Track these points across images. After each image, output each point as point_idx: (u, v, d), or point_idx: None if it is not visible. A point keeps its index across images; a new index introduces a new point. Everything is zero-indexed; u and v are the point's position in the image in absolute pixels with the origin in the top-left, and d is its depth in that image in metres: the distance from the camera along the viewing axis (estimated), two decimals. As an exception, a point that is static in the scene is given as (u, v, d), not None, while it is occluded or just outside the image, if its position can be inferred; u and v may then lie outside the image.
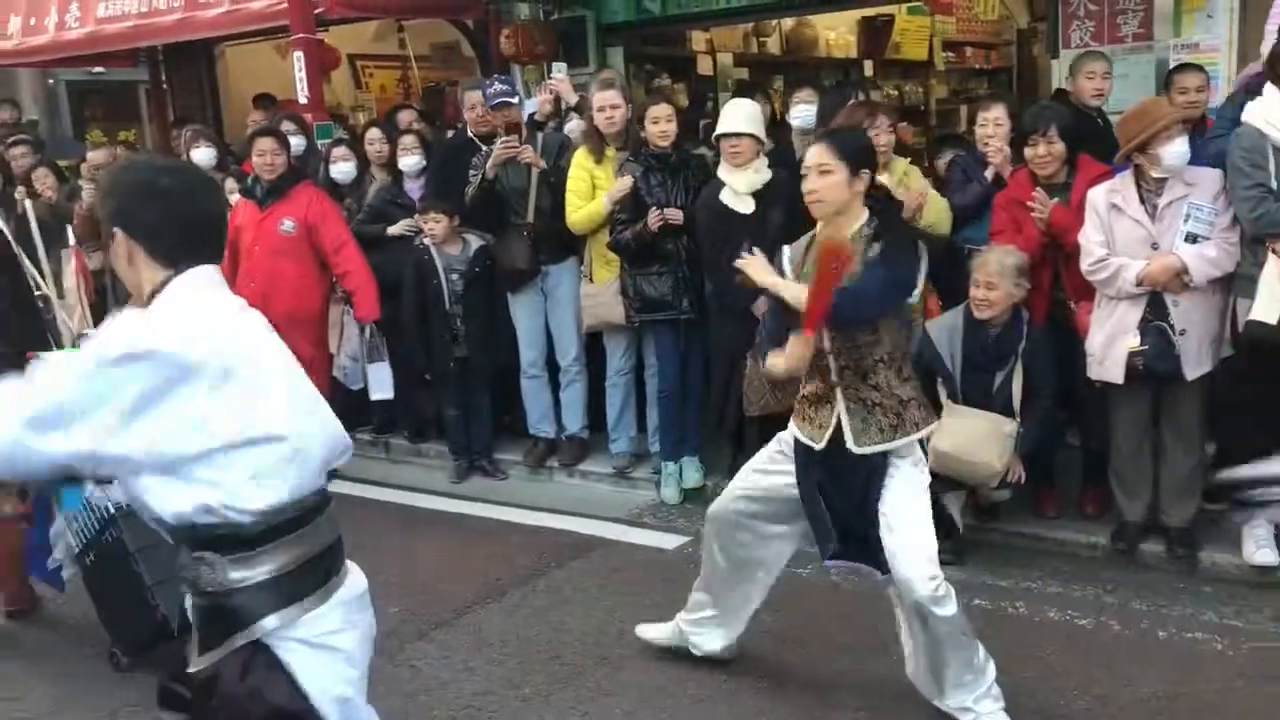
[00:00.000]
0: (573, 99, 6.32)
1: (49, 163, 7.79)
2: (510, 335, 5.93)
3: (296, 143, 6.57)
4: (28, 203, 5.53)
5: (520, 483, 5.95)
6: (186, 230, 2.10)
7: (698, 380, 5.52)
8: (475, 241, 5.90)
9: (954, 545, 4.44)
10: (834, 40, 9.94)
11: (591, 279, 5.67)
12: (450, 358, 5.91)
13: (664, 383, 5.50)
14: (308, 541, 2.09)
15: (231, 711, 2.03)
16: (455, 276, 5.85)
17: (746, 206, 5.01)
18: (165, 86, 10.52)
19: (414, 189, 6.25)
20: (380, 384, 6.09)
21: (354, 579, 2.22)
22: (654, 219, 5.14)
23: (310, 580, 2.09)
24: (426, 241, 5.85)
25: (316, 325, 6.05)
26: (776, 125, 6.10)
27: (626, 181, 5.29)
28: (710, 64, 8.82)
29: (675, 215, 5.17)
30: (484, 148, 5.85)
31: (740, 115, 5.02)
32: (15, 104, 10.44)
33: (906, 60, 10.62)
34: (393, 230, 6.13)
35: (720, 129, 5.03)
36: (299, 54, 6.66)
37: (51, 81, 11.59)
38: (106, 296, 7.38)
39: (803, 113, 5.37)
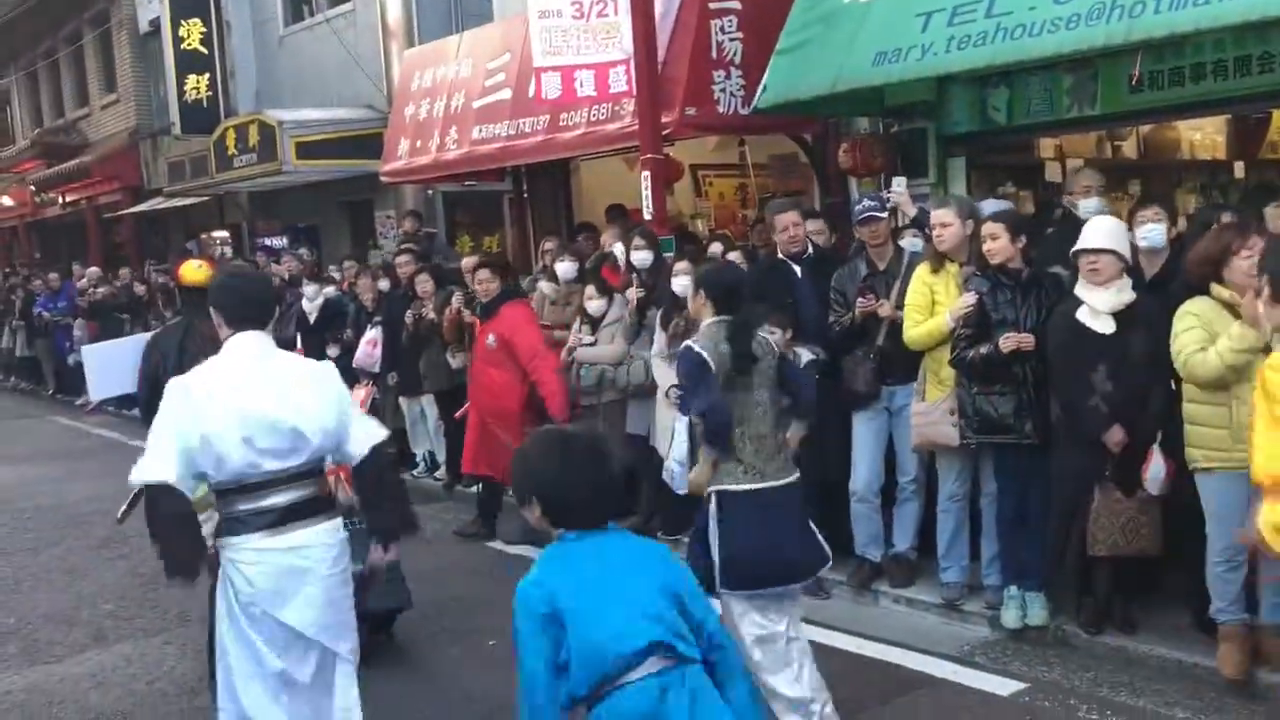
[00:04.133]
0: (911, 211, 6.25)
1: (430, 269, 8.68)
2: (839, 452, 5.85)
3: (643, 257, 6.91)
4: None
5: (844, 604, 5.80)
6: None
7: (1039, 510, 5.18)
8: (806, 355, 5.89)
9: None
10: (1199, 141, 9.23)
11: (924, 396, 5.51)
12: (776, 469, 5.89)
13: (1005, 509, 5.21)
14: None
15: None
16: (785, 390, 5.86)
17: (1106, 327, 4.70)
18: (526, 197, 11.48)
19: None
20: None
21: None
22: (1008, 342, 4.93)
23: None
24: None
25: (515, 419, 6.97)
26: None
27: (970, 298, 5.11)
28: (1059, 170, 8.44)
29: (1028, 341, 4.93)
30: (796, 268, 5.97)
31: (1101, 231, 4.75)
32: (419, 215, 11.74)
33: (1286, 159, 9.64)
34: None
35: (1080, 244, 4.78)
36: (646, 173, 7.03)
37: (430, 192, 12.95)
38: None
39: (1150, 232, 5.01)
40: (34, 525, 8.14)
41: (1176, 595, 5.03)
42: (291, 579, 3.45)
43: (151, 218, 19.93)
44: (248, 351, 3.50)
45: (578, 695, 2.52)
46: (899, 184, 6.46)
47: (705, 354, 4.01)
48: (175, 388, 3.46)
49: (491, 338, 6.97)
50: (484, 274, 7.11)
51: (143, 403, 5.21)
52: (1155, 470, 4.65)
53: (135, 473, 3.39)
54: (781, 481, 4.14)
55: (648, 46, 7.32)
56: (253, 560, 3.43)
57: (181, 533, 3.40)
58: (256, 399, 3.41)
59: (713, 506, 4.10)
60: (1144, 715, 4.35)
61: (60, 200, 22.44)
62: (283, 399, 3.44)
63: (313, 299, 9.65)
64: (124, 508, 4.41)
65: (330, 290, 9.86)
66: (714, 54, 7.88)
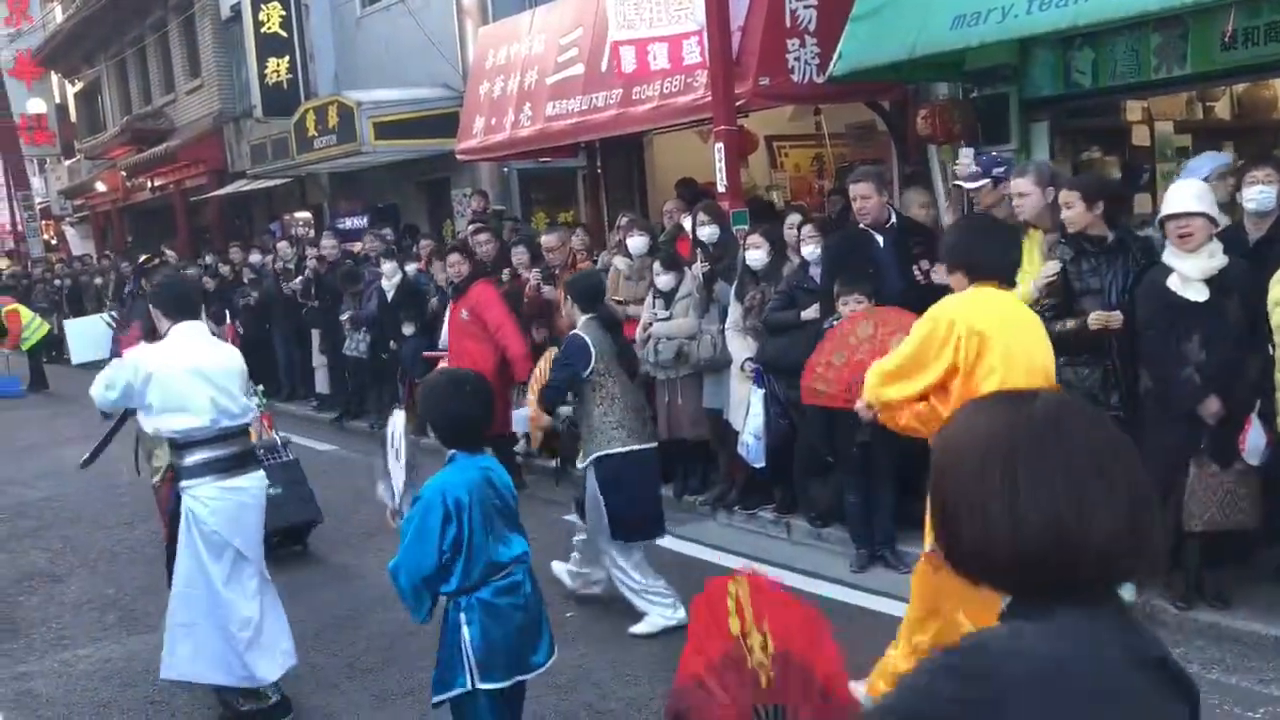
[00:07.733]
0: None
1: (525, 242, 8.78)
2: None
3: (709, 232, 6.85)
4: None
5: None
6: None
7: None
8: (884, 327, 5.82)
9: None
10: (1298, 99, 8.83)
11: (1007, 368, 5.39)
12: (854, 442, 5.84)
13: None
14: None
15: None
16: (864, 362, 5.80)
17: (1199, 295, 4.54)
18: (600, 172, 11.48)
19: (817, 275, 6.32)
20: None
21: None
22: (1095, 322, 4.79)
23: None
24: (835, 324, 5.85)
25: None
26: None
27: (1054, 266, 4.97)
28: (1147, 133, 8.16)
29: (1115, 320, 4.78)
30: (878, 237, 5.87)
31: (1190, 194, 4.58)
32: (485, 194, 11.87)
33: (1394, 116, 9.19)
34: (805, 315, 6.21)
35: (1167, 209, 4.62)
36: (719, 145, 6.96)
37: (506, 170, 13.01)
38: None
39: (1260, 194, 4.79)
40: (129, 500, 8.38)
41: (1272, 568, 4.87)
42: (243, 513, 4.46)
43: (236, 200, 20.36)
44: (194, 334, 4.44)
45: (458, 586, 3.27)
46: (966, 155, 6.34)
47: (588, 339, 5.08)
48: (144, 361, 4.30)
49: (464, 312, 7.73)
50: (454, 257, 7.96)
51: None
52: (1254, 440, 4.50)
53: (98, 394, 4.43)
54: (649, 445, 5.28)
55: (720, 17, 7.24)
56: (215, 497, 4.36)
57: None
58: (214, 369, 4.38)
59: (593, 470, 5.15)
60: (1238, 693, 4.23)
61: (149, 184, 23.04)
62: (229, 370, 4.46)
63: (390, 277, 9.77)
64: (86, 456, 5.41)
65: (410, 269, 9.98)
66: (788, 22, 7.77)
